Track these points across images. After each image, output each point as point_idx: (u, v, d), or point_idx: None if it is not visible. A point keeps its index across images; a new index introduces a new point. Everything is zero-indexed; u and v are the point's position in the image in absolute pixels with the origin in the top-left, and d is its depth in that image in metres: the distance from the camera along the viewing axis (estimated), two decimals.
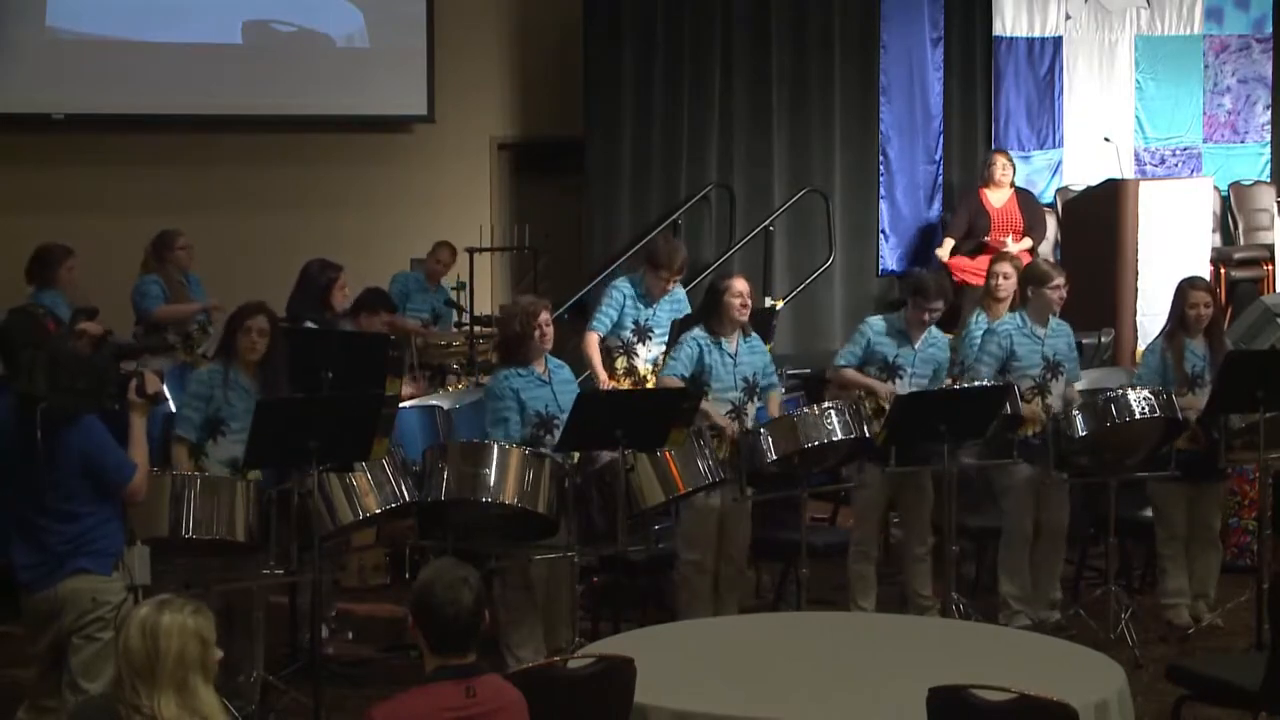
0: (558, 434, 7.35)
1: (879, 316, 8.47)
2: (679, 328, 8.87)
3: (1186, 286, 8.39)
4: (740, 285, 8.02)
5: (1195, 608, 8.33)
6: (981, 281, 9.63)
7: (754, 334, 8.16)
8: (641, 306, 9.06)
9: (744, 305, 7.97)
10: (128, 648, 4.05)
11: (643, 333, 9.04)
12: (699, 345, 7.92)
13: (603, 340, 9.07)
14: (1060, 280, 8.29)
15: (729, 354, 7.97)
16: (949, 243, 12.35)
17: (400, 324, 10.34)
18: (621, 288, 9.14)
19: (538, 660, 6.80)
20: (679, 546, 7.92)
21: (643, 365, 9.03)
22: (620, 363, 9.07)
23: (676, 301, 9.17)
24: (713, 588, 7.95)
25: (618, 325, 9.06)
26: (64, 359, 5.83)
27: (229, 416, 7.05)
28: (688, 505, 7.80)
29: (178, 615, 4.08)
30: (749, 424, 7.87)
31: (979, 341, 8.46)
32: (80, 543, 5.82)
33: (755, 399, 8.04)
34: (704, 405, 7.76)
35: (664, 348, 8.97)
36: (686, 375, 7.87)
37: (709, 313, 8.05)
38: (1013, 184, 12.55)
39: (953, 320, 9.51)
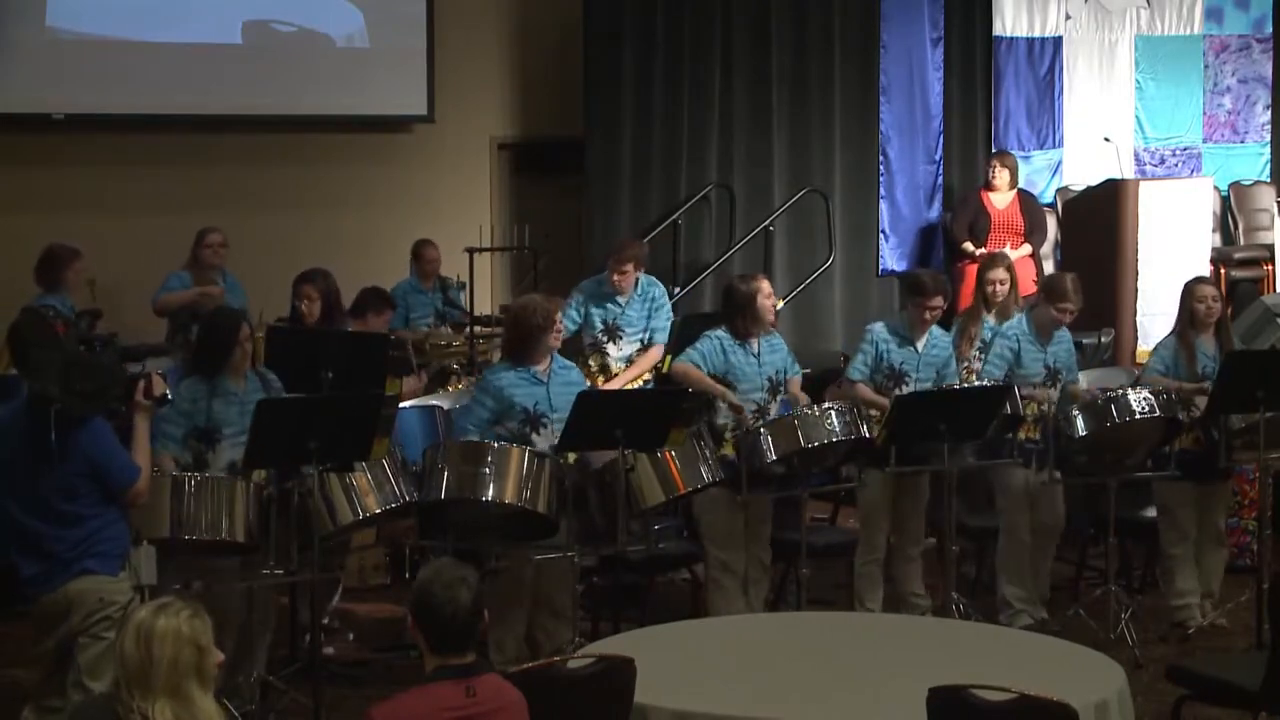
0: (545, 432, 7.36)
1: (881, 323, 8.43)
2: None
3: (1194, 283, 8.45)
4: (769, 285, 8.06)
5: (1201, 606, 8.33)
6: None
7: (774, 331, 8.18)
8: (606, 306, 9.06)
9: (774, 305, 8.06)
10: (123, 653, 4.03)
11: (612, 331, 9.06)
12: (721, 344, 7.93)
13: (570, 341, 9.11)
14: (1072, 307, 8.28)
15: (753, 354, 7.99)
16: (967, 245, 12.31)
17: (399, 337, 10.36)
18: (582, 289, 9.19)
19: (520, 659, 6.80)
20: (709, 547, 7.91)
21: (615, 364, 9.07)
22: (593, 361, 9.09)
23: (650, 300, 9.16)
24: (742, 587, 7.96)
25: (587, 325, 9.08)
26: (76, 361, 5.84)
27: (221, 424, 6.98)
28: (711, 506, 7.80)
29: (172, 620, 4.05)
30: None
31: (989, 344, 8.44)
32: (87, 545, 5.84)
33: (778, 397, 8.04)
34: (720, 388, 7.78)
35: (637, 345, 9.05)
36: (704, 369, 7.88)
37: (736, 314, 8.02)
38: (1015, 186, 12.56)
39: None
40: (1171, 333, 8.48)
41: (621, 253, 9.06)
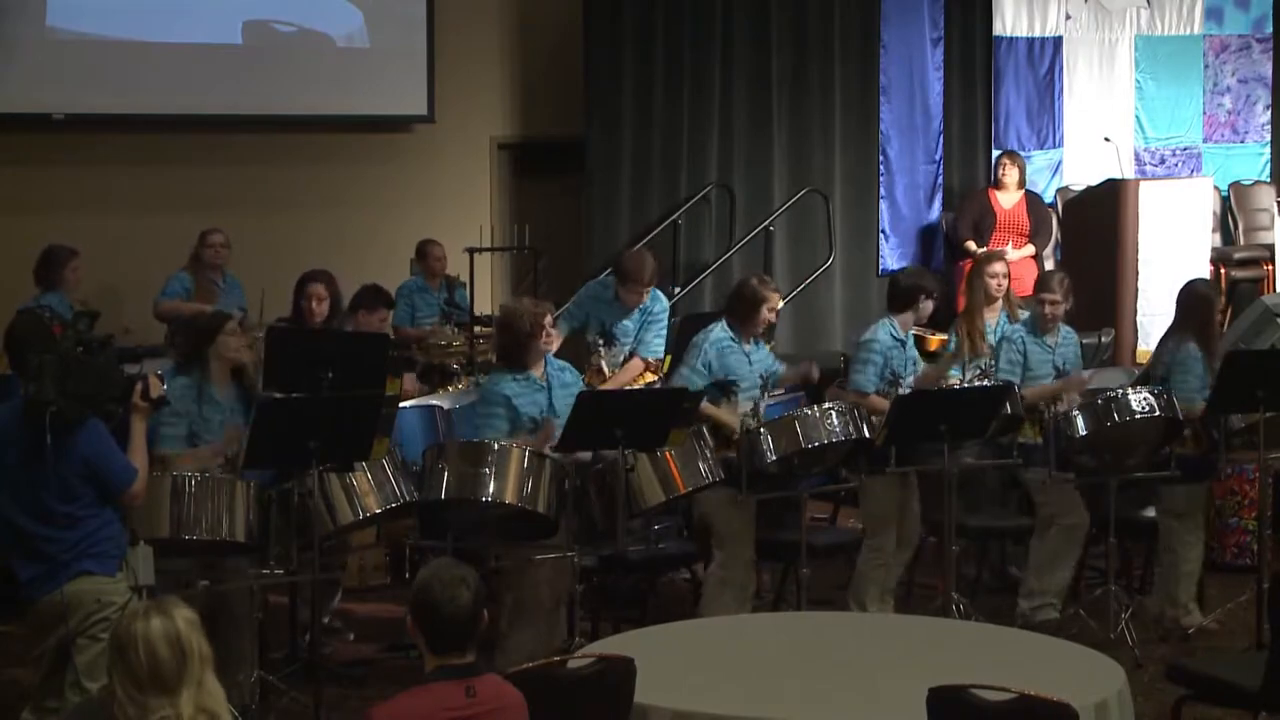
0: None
1: (883, 327, 8.26)
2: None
3: (1211, 293, 8.42)
4: (778, 300, 8.15)
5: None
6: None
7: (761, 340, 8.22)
8: (611, 314, 9.02)
9: (774, 319, 8.21)
10: (157, 660, 3.96)
11: (608, 338, 9.02)
12: (718, 347, 7.93)
13: (575, 336, 9.10)
14: (1054, 297, 8.27)
15: (747, 355, 8.01)
16: (970, 244, 12.33)
17: (404, 335, 10.36)
18: (583, 302, 9.14)
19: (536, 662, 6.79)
20: (718, 549, 7.87)
21: (607, 368, 9.01)
22: (592, 359, 9.07)
23: (647, 314, 9.03)
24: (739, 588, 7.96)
25: (586, 325, 9.05)
26: (73, 363, 5.84)
27: (203, 430, 7.03)
28: (719, 507, 7.79)
29: (183, 613, 4.04)
30: (756, 421, 7.81)
31: (996, 350, 8.41)
32: (84, 546, 5.83)
33: (767, 394, 8.07)
34: (708, 409, 7.75)
35: (626, 352, 9.00)
36: (706, 378, 7.86)
37: (737, 314, 8.03)
38: (1023, 186, 12.58)
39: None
40: (1188, 341, 8.22)
41: (642, 273, 8.87)
